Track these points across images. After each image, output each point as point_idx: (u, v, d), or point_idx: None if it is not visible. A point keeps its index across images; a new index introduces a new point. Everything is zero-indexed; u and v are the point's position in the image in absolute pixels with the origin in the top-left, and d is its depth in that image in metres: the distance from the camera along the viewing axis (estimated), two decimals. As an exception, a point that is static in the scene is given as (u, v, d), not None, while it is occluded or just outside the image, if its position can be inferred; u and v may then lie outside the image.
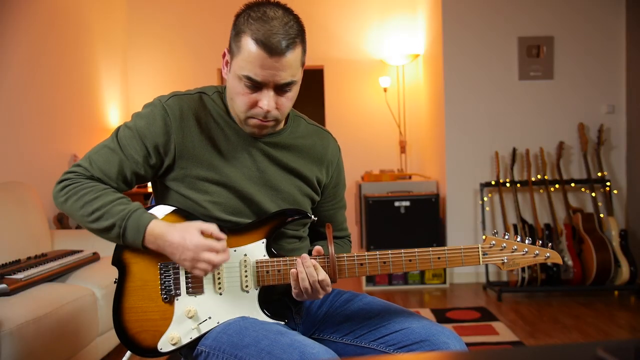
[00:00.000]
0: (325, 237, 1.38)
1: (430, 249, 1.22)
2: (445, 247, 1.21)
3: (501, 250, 1.21)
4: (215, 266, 1.16)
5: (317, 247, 1.23)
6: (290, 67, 1.17)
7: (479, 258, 1.21)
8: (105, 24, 4.56)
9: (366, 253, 1.22)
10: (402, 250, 1.21)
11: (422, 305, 3.55)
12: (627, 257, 3.59)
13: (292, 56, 1.16)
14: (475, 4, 4.04)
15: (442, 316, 3.25)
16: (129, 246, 1.20)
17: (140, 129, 1.23)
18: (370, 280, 4.02)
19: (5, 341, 1.74)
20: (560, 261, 1.23)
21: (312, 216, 1.30)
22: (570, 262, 3.63)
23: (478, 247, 1.21)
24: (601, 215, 3.80)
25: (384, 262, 1.21)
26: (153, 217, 1.19)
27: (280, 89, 1.19)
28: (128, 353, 1.47)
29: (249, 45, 1.14)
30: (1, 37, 3.11)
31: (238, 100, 1.21)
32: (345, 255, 1.22)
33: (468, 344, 2.72)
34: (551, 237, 3.76)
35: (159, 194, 1.32)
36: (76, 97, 4.03)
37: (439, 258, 1.21)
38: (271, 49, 1.13)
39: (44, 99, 3.56)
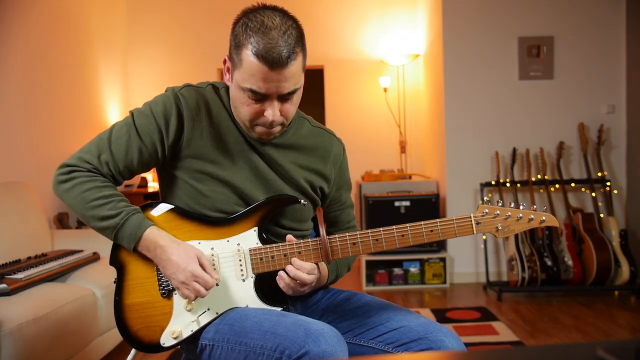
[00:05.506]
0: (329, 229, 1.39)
1: (422, 222, 1.17)
2: (437, 220, 1.16)
3: (494, 217, 1.16)
4: (198, 297, 1.19)
5: (289, 237, 1.24)
6: (293, 77, 1.17)
7: (473, 227, 1.16)
8: (105, 24, 4.56)
9: (358, 232, 1.20)
10: (394, 227, 1.19)
11: (422, 305, 3.54)
12: (627, 257, 3.59)
13: (294, 66, 1.15)
14: (475, 4, 4.04)
15: (442, 316, 3.25)
16: (118, 243, 1.22)
17: (154, 113, 1.24)
18: (370, 280, 4.03)
19: (5, 341, 1.74)
20: (556, 224, 1.17)
21: (302, 201, 1.29)
22: (570, 262, 3.62)
23: (470, 217, 1.17)
24: (601, 215, 3.80)
25: (377, 240, 1.19)
26: (153, 224, 1.22)
27: (284, 97, 1.19)
28: (133, 351, 1.47)
29: (249, 58, 1.13)
30: (1, 37, 3.11)
31: (243, 110, 1.22)
32: (337, 235, 1.21)
33: (468, 344, 2.73)
34: (551, 236, 3.76)
35: (165, 184, 1.33)
36: (76, 97, 4.04)
37: (431, 231, 1.17)
38: (272, 63, 1.12)
39: (44, 99, 3.56)
